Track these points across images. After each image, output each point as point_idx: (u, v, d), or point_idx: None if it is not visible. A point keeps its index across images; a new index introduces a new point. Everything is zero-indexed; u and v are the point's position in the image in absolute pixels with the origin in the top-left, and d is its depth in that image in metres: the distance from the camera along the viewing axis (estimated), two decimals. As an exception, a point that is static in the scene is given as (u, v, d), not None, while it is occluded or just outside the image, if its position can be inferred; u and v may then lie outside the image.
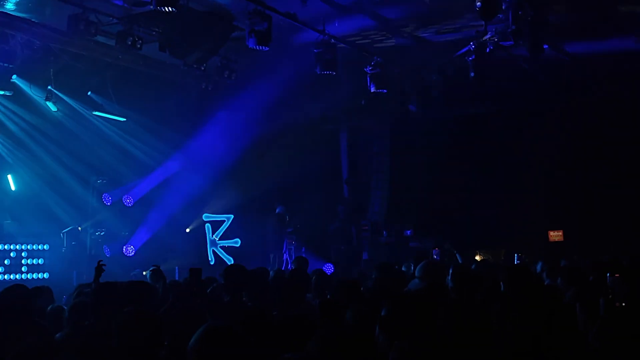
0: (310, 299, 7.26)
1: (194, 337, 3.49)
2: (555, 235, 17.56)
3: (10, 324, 5.25)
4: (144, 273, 15.14)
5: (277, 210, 17.62)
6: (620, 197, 16.45)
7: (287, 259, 17.30)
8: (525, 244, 15.89)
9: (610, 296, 5.61)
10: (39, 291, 7.81)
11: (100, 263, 7.64)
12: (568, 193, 17.19)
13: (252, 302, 6.83)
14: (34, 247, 14.57)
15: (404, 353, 3.49)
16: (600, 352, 4.32)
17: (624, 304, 5.56)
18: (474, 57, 13.40)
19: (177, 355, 4.10)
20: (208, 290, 7.38)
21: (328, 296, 6.85)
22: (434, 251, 11.72)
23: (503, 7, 10.99)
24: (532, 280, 5.86)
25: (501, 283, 5.96)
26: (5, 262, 14.05)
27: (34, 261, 14.48)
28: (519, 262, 11.38)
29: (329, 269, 17.18)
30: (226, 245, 18.17)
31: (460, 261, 10.10)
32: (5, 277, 13.91)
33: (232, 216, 18.24)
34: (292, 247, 17.96)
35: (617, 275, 5.80)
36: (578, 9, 12.54)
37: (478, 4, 10.39)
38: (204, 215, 18.11)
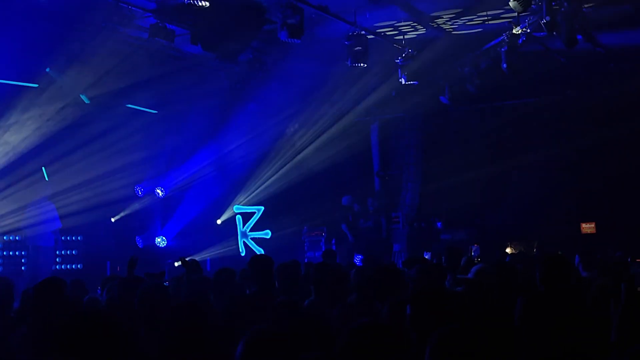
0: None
1: (241, 343, 3.47)
2: (587, 227, 17.36)
3: (47, 314, 5.31)
4: (176, 264, 15.35)
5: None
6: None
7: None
8: (556, 236, 15.79)
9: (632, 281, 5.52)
10: (72, 283, 7.94)
11: (134, 258, 7.72)
12: (601, 184, 16.98)
13: (283, 294, 6.83)
14: (68, 238, 14.74)
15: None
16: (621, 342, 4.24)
17: None
18: (506, 48, 13.31)
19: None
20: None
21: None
22: (472, 247, 11.49)
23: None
24: (569, 272, 5.72)
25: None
26: (40, 252, 14.23)
27: (68, 252, 14.66)
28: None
29: (358, 260, 17.19)
30: (257, 236, 18.25)
31: None
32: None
33: (263, 208, 18.30)
34: (322, 239, 18.00)
35: (638, 260, 5.74)
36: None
37: (512, -5, 10.30)
38: (234, 207, 18.21)
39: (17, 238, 14.10)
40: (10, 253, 13.93)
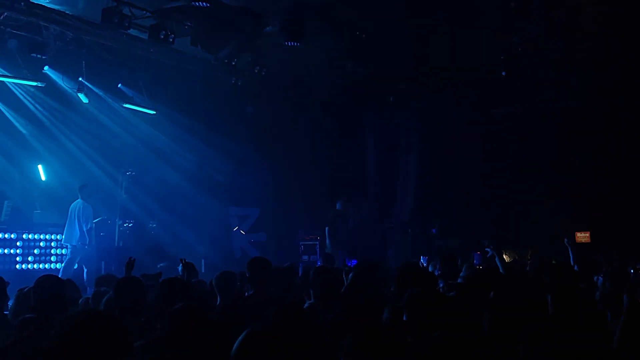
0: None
1: (237, 343, 3.48)
2: (582, 236, 17.41)
3: (47, 311, 5.29)
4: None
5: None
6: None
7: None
8: (551, 245, 15.80)
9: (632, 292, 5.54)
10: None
11: (131, 260, 7.72)
12: (596, 193, 17.04)
13: (278, 297, 6.83)
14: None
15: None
16: (623, 351, 4.27)
17: None
18: (505, 55, 13.36)
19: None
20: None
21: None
22: (474, 254, 11.32)
23: (536, 8, 10.95)
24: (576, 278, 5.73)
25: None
26: (35, 251, 14.21)
27: (63, 251, 14.62)
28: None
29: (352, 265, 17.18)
30: (252, 239, 18.23)
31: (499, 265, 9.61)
32: (35, 266, 14.08)
33: (259, 210, 18.28)
34: (317, 243, 17.98)
35: None
36: (612, 10, 12.43)
37: (512, 4, 10.34)
38: (230, 209, 18.18)
39: (12, 236, 14.05)
40: (6, 251, 13.87)
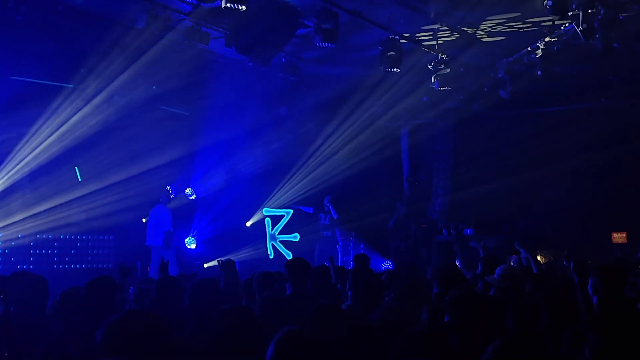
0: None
1: (272, 343, 3.49)
2: (618, 237, 17.20)
3: (99, 311, 5.32)
4: (205, 266, 15.43)
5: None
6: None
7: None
8: (587, 245, 15.64)
9: None
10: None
11: (163, 261, 7.82)
12: (633, 194, 16.81)
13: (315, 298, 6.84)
14: (100, 237, 14.90)
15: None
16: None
17: None
18: (541, 55, 13.23)
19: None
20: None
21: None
22: (511, 258, 11.30)
23: (573, 6, 10.81)
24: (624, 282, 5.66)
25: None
26: (72, 251, 14.39)
27: (100, 251, 14.81)
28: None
29: (387, 266, 17.20)
30: (285, 239, 18.27)
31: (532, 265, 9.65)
32: (72, 266, 14.26)
33: (292, 211, 18.33)
34: (351, 244, 17.98)
35: None
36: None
37: (549, 2, 10.23)
38: (264, 210, 18.25)
39: (49, 236, 14.21)
40: (43, 251, 14.04)
